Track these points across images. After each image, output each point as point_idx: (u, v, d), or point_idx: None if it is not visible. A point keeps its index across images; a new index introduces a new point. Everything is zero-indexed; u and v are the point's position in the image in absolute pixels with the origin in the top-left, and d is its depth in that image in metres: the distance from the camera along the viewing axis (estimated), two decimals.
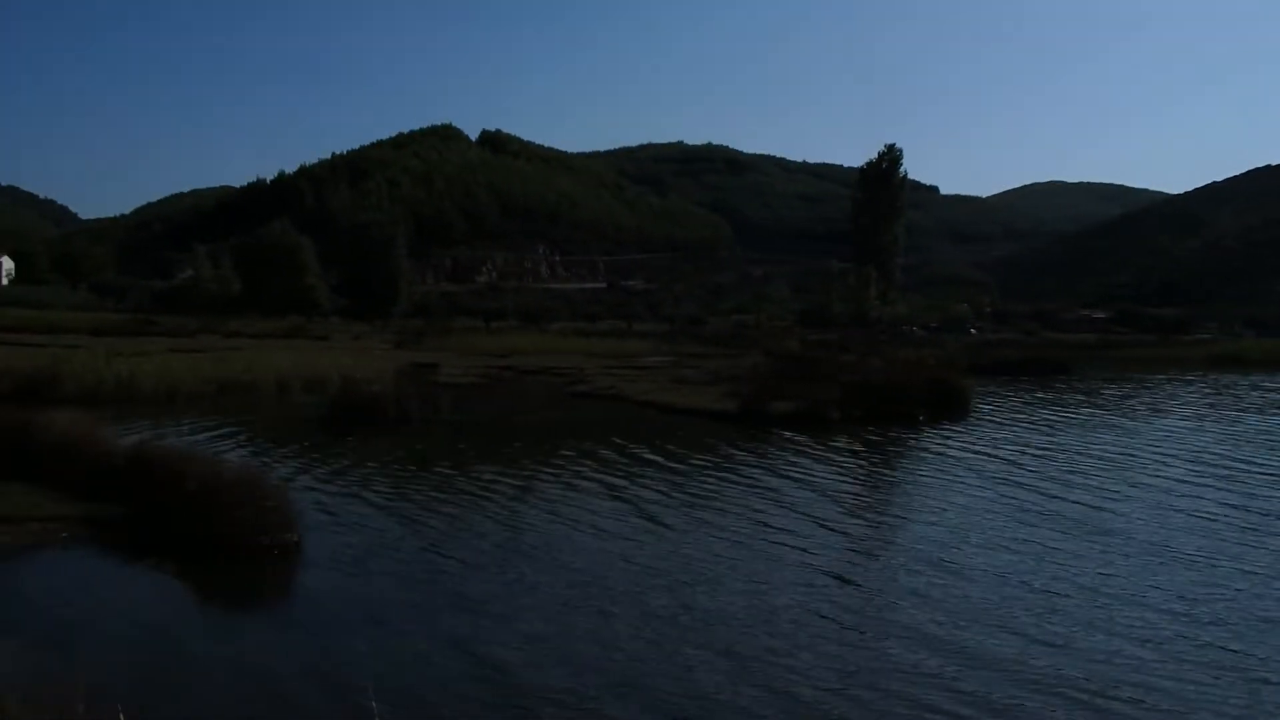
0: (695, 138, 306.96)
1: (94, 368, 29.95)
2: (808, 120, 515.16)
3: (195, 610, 10.65)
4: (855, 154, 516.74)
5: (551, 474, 19.10)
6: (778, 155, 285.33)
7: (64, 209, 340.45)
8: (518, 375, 44.37)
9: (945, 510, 16.04)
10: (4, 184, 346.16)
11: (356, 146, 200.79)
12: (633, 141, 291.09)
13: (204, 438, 21.97)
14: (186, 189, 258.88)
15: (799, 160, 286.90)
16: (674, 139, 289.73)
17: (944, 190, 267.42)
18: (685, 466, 20.52)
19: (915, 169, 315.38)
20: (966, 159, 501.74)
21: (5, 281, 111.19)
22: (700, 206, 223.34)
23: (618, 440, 24.13)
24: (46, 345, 41.73)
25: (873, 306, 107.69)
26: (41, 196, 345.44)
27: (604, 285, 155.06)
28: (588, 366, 47.03)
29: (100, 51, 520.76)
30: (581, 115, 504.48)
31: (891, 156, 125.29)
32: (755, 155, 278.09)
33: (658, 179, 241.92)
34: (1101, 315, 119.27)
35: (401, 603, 10.51)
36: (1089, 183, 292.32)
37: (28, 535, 12.25)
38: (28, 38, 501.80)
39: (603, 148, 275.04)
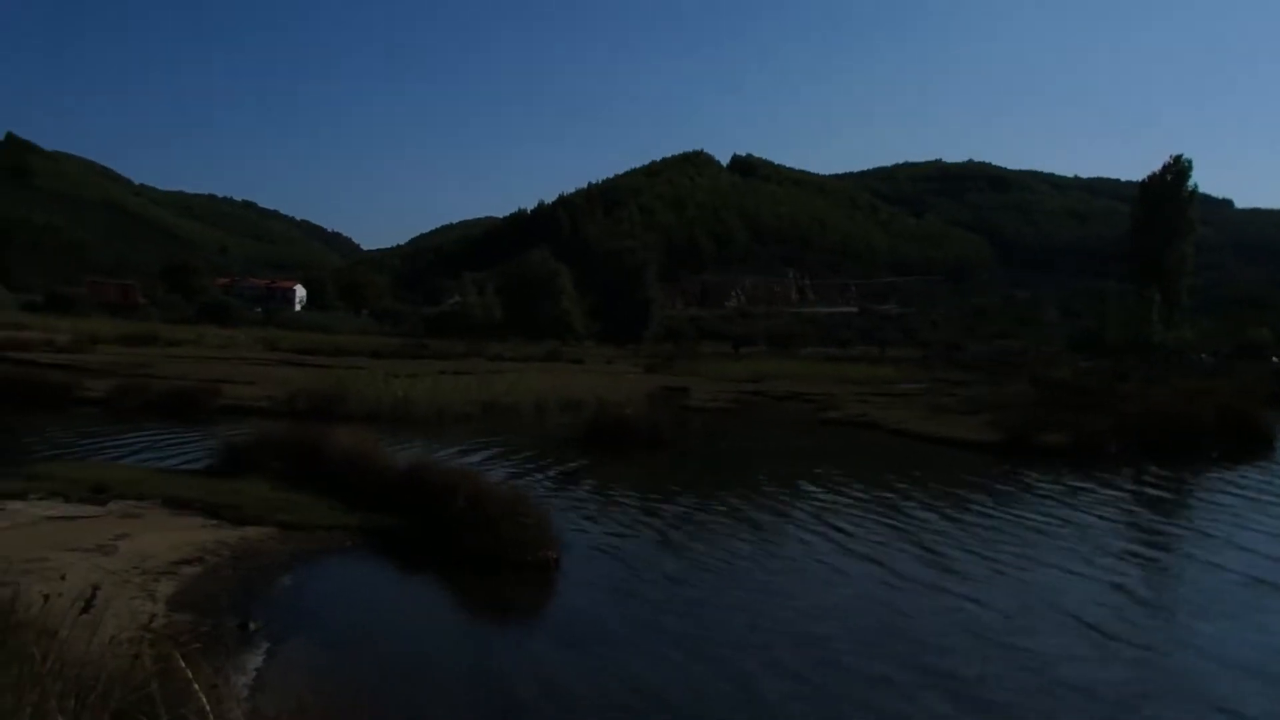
0: (955, 155, 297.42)
1: (374, 388, 32.26)
2: (1079, 132, 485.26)
3: (462, 619, 11.18)
4: (1135, 166, 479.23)
5: (800, 503, 18.68)
6: (1045, 170, 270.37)
7: (348, 241, 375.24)
8: (767, 401, 44.07)
9: (1233, 565, 14.18)
10: (299, 219, 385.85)
11: (611, 175, 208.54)
12: (888, 161, 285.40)
13: (470, 455, 23.11)
14: (456, 220, 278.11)
15: (1069, 175, 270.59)
16: (932, 157, 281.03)
17: (1239, 204, 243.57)
18: (943, 501, 19.52)
19: (1206, 181, 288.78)
20: (1267, 169, 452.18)
21: (299, 308, 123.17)
22: (959, 226, 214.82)
23: (870, 470, 23.38)
24: (334, 367, 45.69)
25: (1155, 331, 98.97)
26: (329, 230, 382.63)
27: (855, 309, 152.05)
28: (839, 393, 46.04)
29: (380, 100, 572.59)
30: (834, 137, 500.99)
31: (1178, 168, 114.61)
32: (1020, 171, 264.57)
33: (914, 199, 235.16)
34: None
35: (652, 627, 10.49)
36: None
37: (316, 541, 13.26)
38: (318, 92, 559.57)
39: (856, 168, 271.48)
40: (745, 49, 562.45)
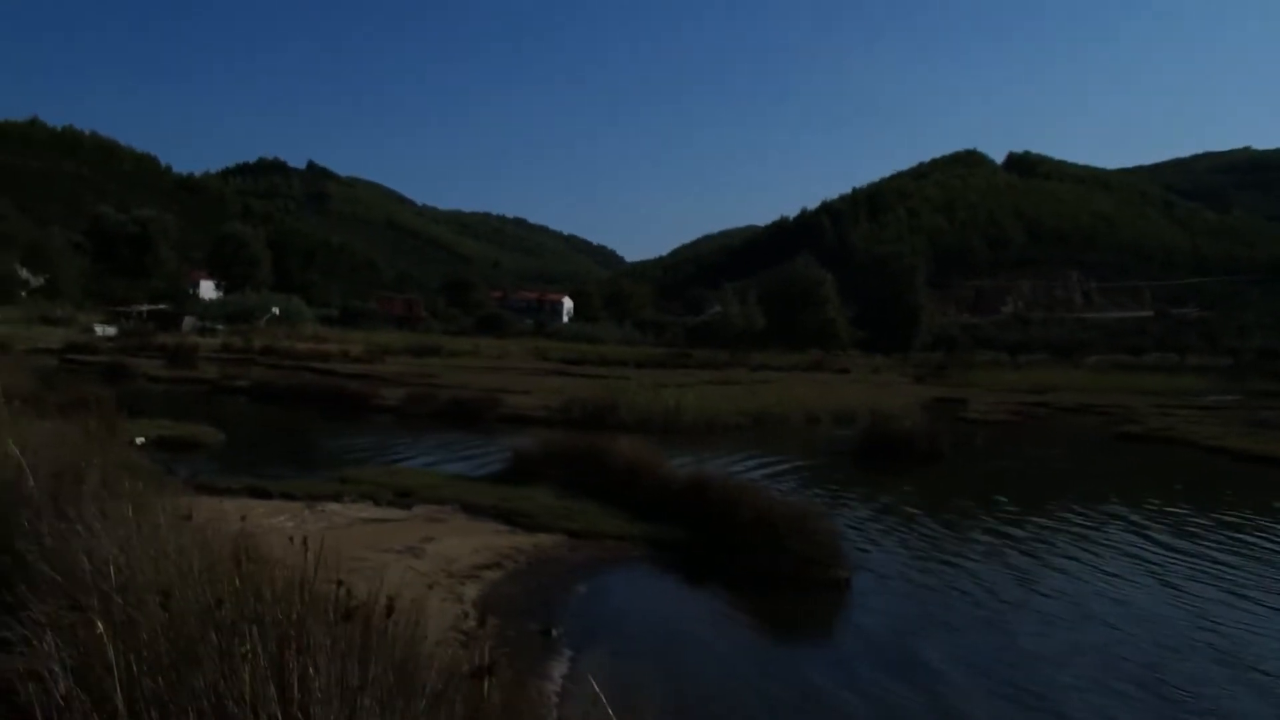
0: (1267, 141, 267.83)
1: (644, 398, 32.64)
2: None
3: (758, 638, 10.86)
4: None
5: (1105, 527, 17.05)
6: None
7: (612, 253, 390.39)
8: (1053, 413, 41.14)
9: None
10: (566, 234, 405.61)
11: (876, 179, 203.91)
12: (1185, 152, 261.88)
13: (743, 467, 22.82)
14: (717, 230, 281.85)
15: None
16: (1238, 145, 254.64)
17: None
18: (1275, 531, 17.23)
19: None
20: None
21: (566, 319, 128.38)
22: (1273, 220, 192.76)
23: (1183, 491, 21.09)
24: (602, 376, 46.94)
25: None
26: (595, 243, 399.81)
27: (1149, 314, 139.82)
28: (1135, 405, 42.35)
29: (641, 116, 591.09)
30: (1123, 128, 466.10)
31: None
32: None
33: (1217, 192, 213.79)
34: None
35: (950, 659, 9.71)
36: None
37: (605, 550, 13.39)
38: (583, 112, 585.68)
39: (1148, 161, 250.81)
40: (1021, 41, 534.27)
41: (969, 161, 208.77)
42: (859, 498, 19.51)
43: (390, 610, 3.57)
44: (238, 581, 3.59)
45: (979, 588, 12.57)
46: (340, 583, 3.65)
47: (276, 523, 12.68)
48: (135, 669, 2.67)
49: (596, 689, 3.18)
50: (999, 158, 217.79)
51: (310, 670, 2.84)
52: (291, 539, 4.40)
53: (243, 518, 6.01)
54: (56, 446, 6.91)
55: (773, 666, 9.65)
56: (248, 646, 2.78)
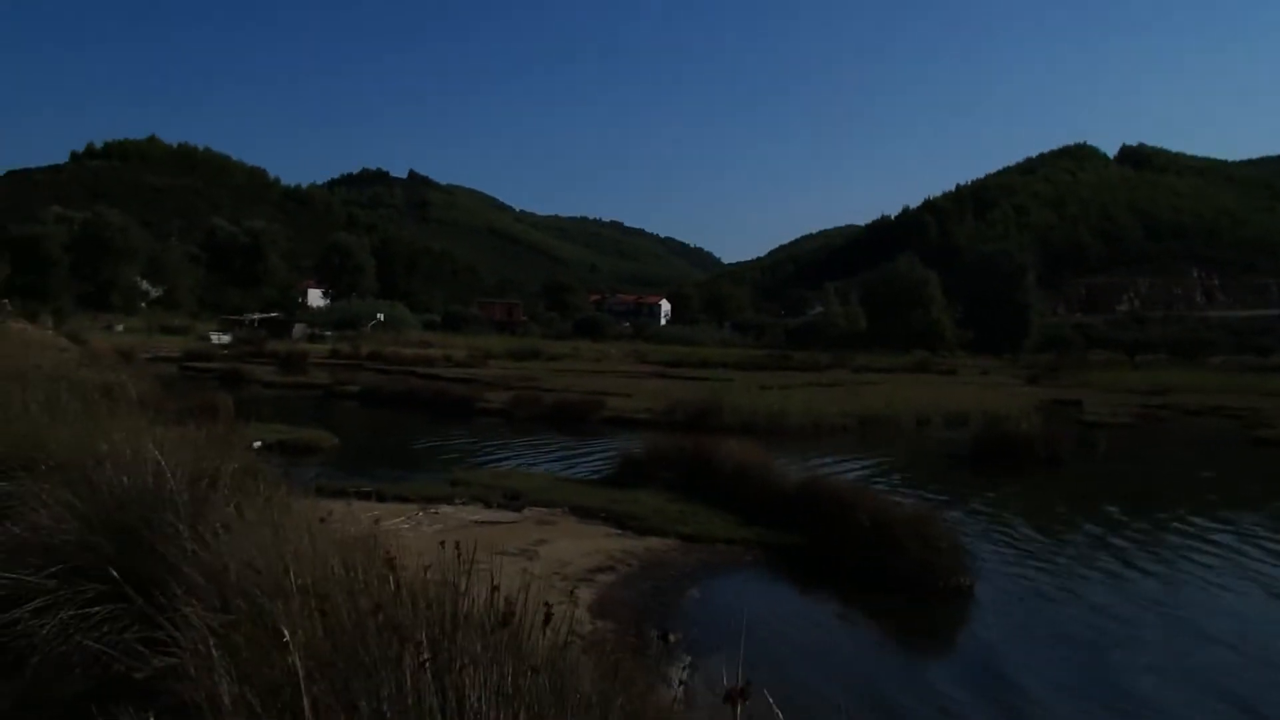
0: None
1: (748, 400, 32.40)
2: None
3: (871, 644, 10.54)
4: None
5: (1245, 540, 16.07)
6: None
7: (709, 255, 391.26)
8: (1177, 415, 39.33)
9: None
10: (662, 236, 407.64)
11: (981, 175, 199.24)
12: None
13: (853, 470, 22.33)
14: (816, 230, 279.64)
15: None
16: None
17: None
18: None
19: None
20: None
21: (664, 322, 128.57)
22: None
23: None
24: (704, 379, 46.69)
25: None
26: (691, 245, 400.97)
27: (1277, 312, 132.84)
28: (1265, 407, 40.18)
29: (736, 114, 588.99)
30: (1245, 116, 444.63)
31: None
32: None
33: None
34: None
35: (1077, 677, 9.23)
36: None
37: (716, 555, 13.20)
38: (676, 114, 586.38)
39: (1275, 151, 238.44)
40: (1133, 31, 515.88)
41: (1079, 155, 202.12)
42: (977, 502, 18.90)
43: (548, 618, 3.48)
44: (392, 585, 3.56)
45: (1107, 601, 11.99)
46: (496, 588, 3.58)
47: (393, 525, 12.87)
48: (303, 674, 2.63)
49: (771, 702, 2.98)
50: (1111, 151, 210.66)
51: (466, 679, 2.77)
52: (442, 543, 4.36)
53: (377, 520, 6.03)
54: (189, 450, 7.06)
55: (896, 676, 9.34)
56: (424, 654, 2.71)
